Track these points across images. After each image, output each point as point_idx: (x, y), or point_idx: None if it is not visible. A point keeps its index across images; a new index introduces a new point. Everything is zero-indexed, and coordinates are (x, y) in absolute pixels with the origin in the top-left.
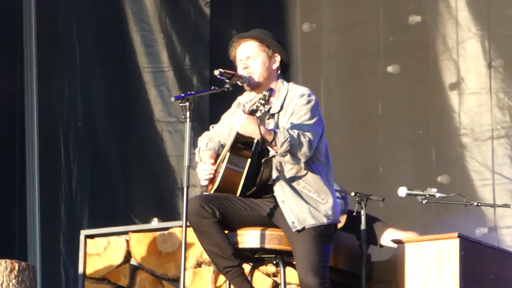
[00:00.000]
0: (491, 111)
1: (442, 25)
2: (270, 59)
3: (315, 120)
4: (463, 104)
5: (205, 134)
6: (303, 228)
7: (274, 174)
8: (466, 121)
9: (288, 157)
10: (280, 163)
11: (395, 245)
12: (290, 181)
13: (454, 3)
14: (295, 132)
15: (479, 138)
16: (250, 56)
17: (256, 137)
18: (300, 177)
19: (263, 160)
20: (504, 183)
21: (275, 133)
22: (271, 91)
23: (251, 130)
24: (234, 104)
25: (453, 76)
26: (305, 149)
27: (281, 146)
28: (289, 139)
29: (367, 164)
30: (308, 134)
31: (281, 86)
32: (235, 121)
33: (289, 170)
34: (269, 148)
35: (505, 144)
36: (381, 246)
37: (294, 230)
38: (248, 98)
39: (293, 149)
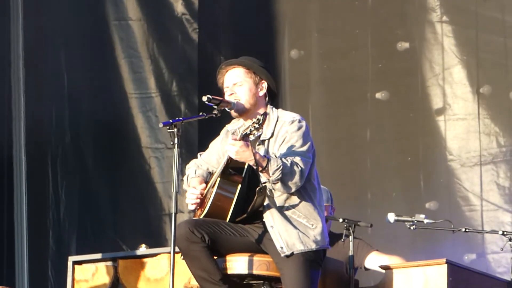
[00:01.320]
0: (478, 137)
1: (429, 51)
2: (256, 85)
3: (307, 147)
4: (449, 130)
5: (193, 162)
6: (292, 254)
7: (265, 200)
8: (453, 147)
9: (278, 185)
10: (270, 188)
11: (382, 269)
12: (279, 207)
13: (440, 29)
14: (288, 161)
15: (466, 164)
16: (236, 83)
17: (250, 162)
18: (290, 203)
19: (257, 189)
20: (491, 209)
21: (269, 160)
22: (265, 115)
23: (246, 156)
24: (223, 132)
25: (440, 102)
26: (296, 179)
27: (273, 174)
28: (281, 167)
29: (355, 191)
30: (300, 164)
31: (270, 113)
32: (229, 147)
33: (279, 196)
34: (261, 174)
35: (492, 171)
36: (366, 269)
37: (282, 255)
38: (236, 126)
39: (284, 178)
